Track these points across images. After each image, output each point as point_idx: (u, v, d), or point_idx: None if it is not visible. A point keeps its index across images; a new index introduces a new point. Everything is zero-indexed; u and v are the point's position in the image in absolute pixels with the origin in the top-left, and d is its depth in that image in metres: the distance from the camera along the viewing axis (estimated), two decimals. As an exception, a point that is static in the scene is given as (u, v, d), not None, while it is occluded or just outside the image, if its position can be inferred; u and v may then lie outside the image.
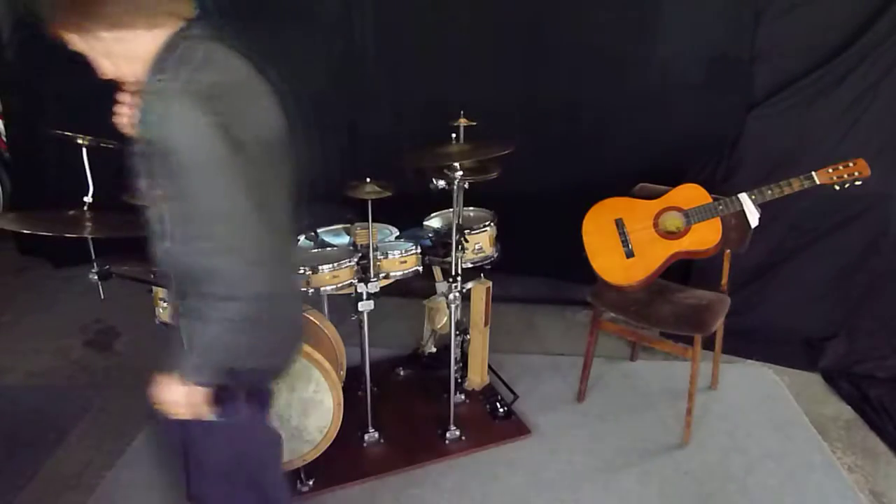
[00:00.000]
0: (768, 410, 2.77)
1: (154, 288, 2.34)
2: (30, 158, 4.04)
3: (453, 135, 2.28)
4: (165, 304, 2.11)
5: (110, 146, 2.20)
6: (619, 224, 2.61)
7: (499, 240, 2.62)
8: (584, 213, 2.66)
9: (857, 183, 2.34)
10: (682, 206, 2.52)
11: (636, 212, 2.60)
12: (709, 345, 2.78)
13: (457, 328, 2.50)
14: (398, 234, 2.60)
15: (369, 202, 2.16)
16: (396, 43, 3.42)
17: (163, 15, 1.26)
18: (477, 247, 2.49)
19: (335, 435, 2.21)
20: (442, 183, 2.28)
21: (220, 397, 1.35)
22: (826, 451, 2.53)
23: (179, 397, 1.32)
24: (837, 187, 2.35)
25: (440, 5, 3.32)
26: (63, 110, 3.74)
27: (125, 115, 1.42)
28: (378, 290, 2.31)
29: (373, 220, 2.19)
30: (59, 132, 2.18)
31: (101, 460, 2.45)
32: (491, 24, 3.31)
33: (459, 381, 2.82)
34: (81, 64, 1.29)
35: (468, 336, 2.78)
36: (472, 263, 2.50)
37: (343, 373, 2.49)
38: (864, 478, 2.42)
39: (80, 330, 3.37)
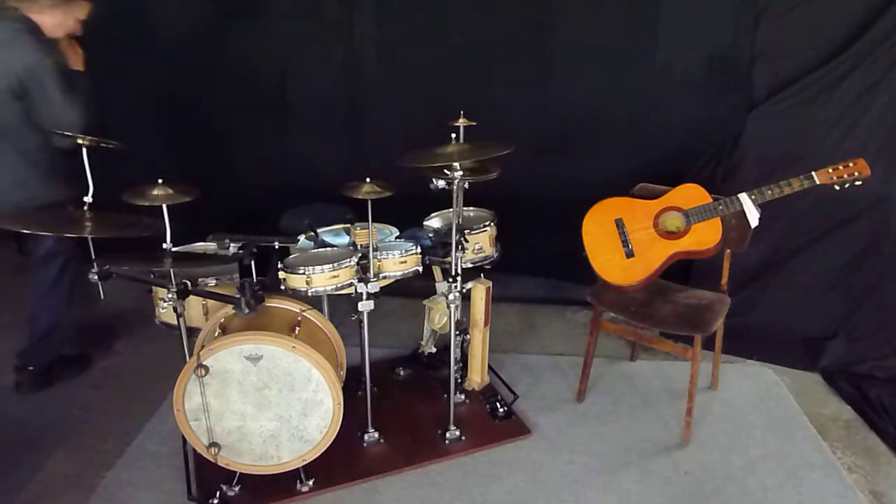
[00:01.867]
0: (768, 410, 2.77)
1: (154, 288, 2.35)
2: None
3: (453, 135, 2.28)
4: (165, 304, 2.11)
5: (110, 146, 2.20)
6: (619, 224, 2.61)
7: (499, 240, 2.62)
8: (584, 213, 2.66)
9: (857, 183, 2.34)
10: (682, 206, 2.53)
11: (636, 212, 2.60)
12: (709, 345, 2.78)
13: (457, 328, 2.50)
14: (398, 234, 2.60)
15: (369, 202, 2.16)
16: (396, 43, 3.43)
17: None
18: (477, 247, 2.49)
19: (335, 435, 2.21)
20: (442, 183, 2.28)
21: None
22: (826, 451, 2.53)
23: None
24: (837, 187, 2.35)
25: (440, 5, 3.33)
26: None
27: None
28: (378, 290, 2.31)
29: (373, 220, 2.19)
30: (59, 132, 2.18)
31: (101, 460, 2.45)
32: (491, 24, 3.31)
33: (459, 381, 2.82)
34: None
35: (468, 336, 2.78)
36: (472, 263, 2.50)
37: (343, 373, 2.49)
38: (864, 478, 2.42)
39: (80, 330, 3.37)
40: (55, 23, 2.44)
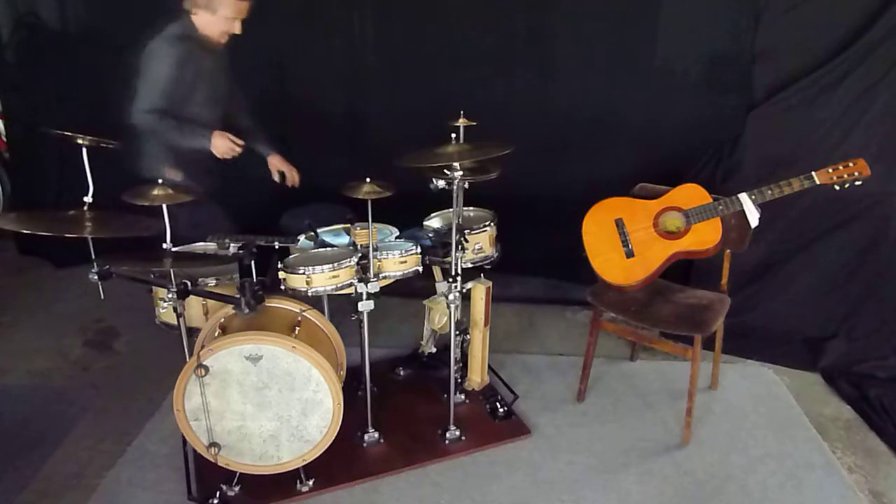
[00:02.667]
0: (768, 410, 2.77)
1: (154, 288, 2.35)
2: (30, 158, 4.04)
3: (453, 135, 2.28)
4: (165, 304, 2.11)
5: (110, 146, 2.20)
6: (619, 224, 2.61)
7: (499, 240, 2.62)
8: (584, 213, 2.66)
9: (857, 183, 2.34)
10: (682, 206, 2.53)
11: (636, 212, 2.60)
12: (709, 345, 2.77)
13: (457, 328, 2.50)
14: (398, 234, 2.60)
15: (369, 202, 2.16)
16: (396, 43, 3.43)
17: None
18: (477, 247, 2.49)
19: (335, 435, 2.21)
20: (442, 183, 2.28)
21: None
22: (826, 451, 2.53)
23: None
24: (837, 187, 2.35)
25: (440, 5, 3.33)
26: (63, 110, 3.74)
27: None
28: (378, 290, 2.31)
29: (373, 220, 2.19)
30: (59, 132, 2.18)
31: (101, 460, 2.45)
32: (491, 24, 3.31)
33: (459, 381, 2.82)
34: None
35: (468, 336, 2.78)
36: (472, 263, 2.50)
37: (343, 373, 2.49)
38: (864, 478, 2.42)
39: (80, 330, 3.37)
40: (205, 22, 2.59)
